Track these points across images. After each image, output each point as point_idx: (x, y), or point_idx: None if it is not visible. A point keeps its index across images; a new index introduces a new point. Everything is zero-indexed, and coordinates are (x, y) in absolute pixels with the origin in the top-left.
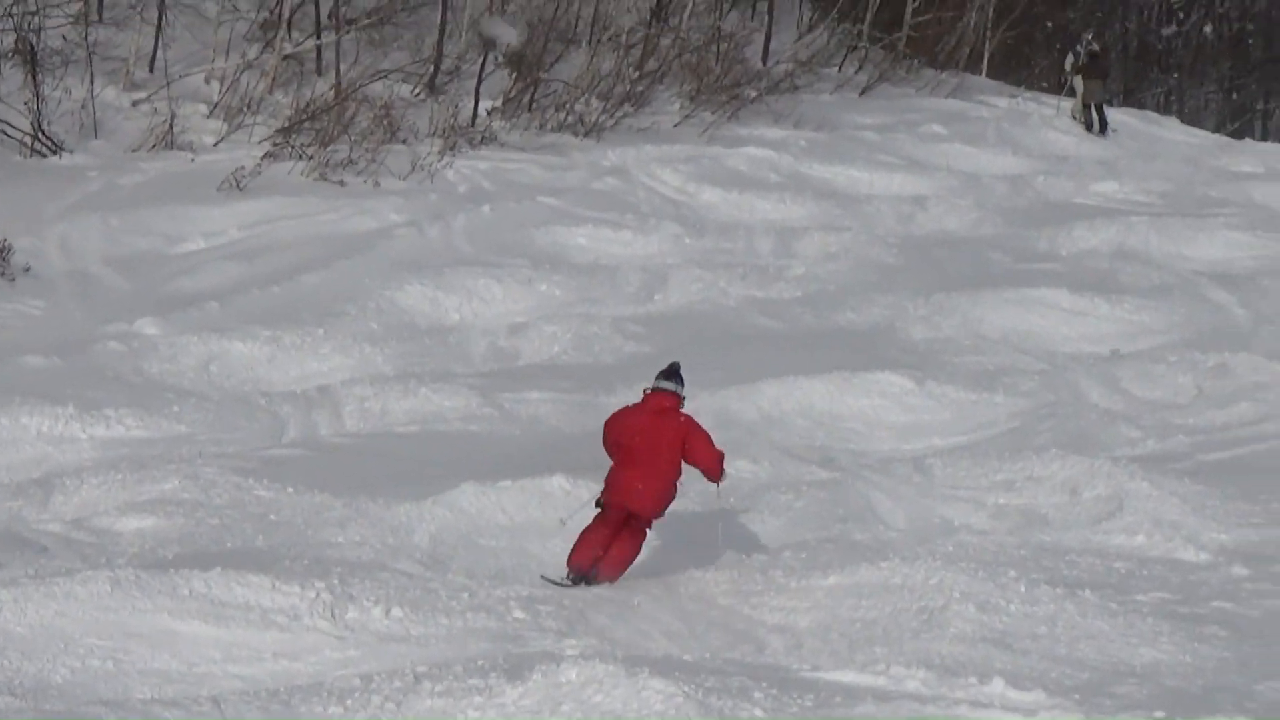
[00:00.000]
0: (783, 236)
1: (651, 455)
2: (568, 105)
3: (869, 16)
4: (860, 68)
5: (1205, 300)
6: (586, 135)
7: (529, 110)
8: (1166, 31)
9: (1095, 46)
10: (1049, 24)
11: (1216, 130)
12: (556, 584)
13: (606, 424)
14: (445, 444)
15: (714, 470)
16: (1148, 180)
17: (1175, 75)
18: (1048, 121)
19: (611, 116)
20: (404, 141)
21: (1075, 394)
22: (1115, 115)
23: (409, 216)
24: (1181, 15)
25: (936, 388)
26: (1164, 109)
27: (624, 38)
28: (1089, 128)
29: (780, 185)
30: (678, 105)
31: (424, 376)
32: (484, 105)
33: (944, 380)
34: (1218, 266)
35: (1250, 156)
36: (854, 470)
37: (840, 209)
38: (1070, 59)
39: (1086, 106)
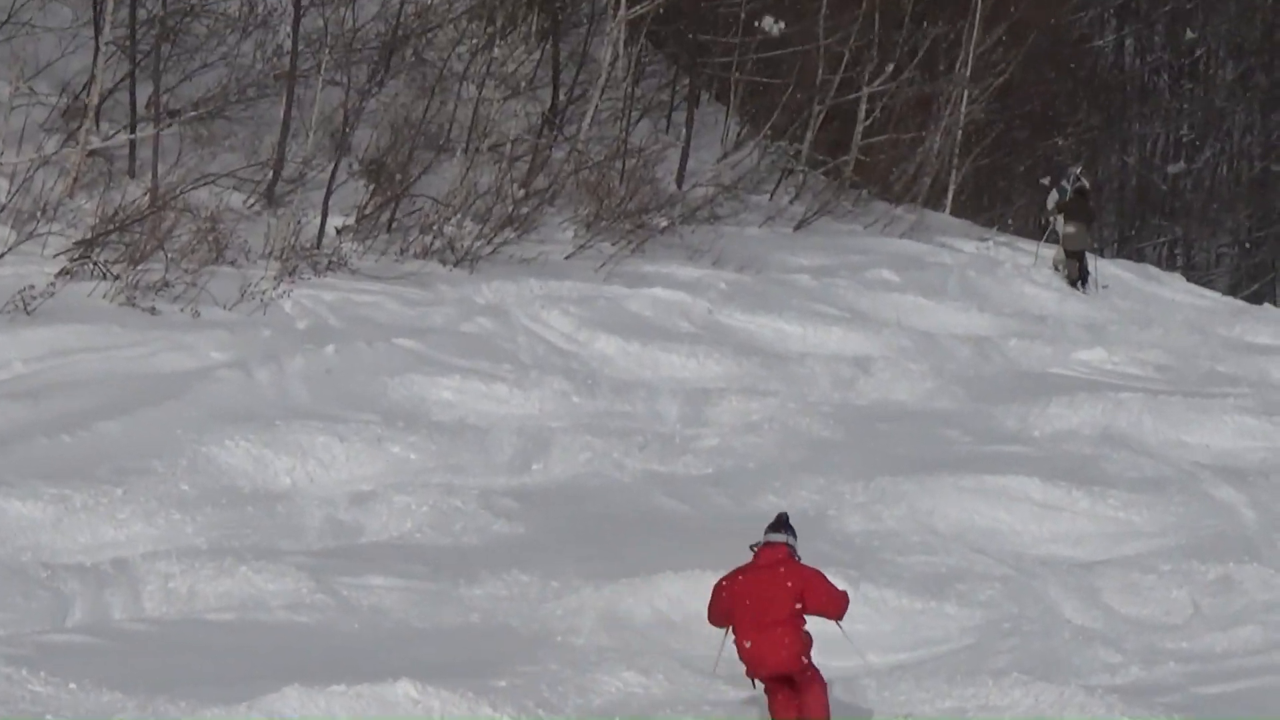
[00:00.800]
0: (693, 399)
1: (769, 613)
2: (436, 227)
3: (810, 135)
4: (797, 196)
5: (1207, 498)
6: (458, 265)
7: (388, 231)
8: (1173, 169)
9: (1084, 182)
10: (1030, 154)
11: (1230, 292)
12: None
13: (715, 589)
14: (267, 636)
15: (837, 613)
16: (1143, 349)
17: (1182, 223)
18: (1023, 272)
19: (489, 243)
20: (233, 263)
21: (1044, 607)
22: (1107, 268)
23: (235, 355)
24: (1192, 150)
25: (875, 592)
26: (1166, 263)
27: (508, 148)
28: (1073, 282)
29: (693, 336)
30: (571, 233)
31: (244, 553)
32: (333, 222)
33: (884, 584)
34: (1224, 458)
35: (1270, 325)
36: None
37: (765, 369)
38: (1053, 196)
39: (1071, 256)
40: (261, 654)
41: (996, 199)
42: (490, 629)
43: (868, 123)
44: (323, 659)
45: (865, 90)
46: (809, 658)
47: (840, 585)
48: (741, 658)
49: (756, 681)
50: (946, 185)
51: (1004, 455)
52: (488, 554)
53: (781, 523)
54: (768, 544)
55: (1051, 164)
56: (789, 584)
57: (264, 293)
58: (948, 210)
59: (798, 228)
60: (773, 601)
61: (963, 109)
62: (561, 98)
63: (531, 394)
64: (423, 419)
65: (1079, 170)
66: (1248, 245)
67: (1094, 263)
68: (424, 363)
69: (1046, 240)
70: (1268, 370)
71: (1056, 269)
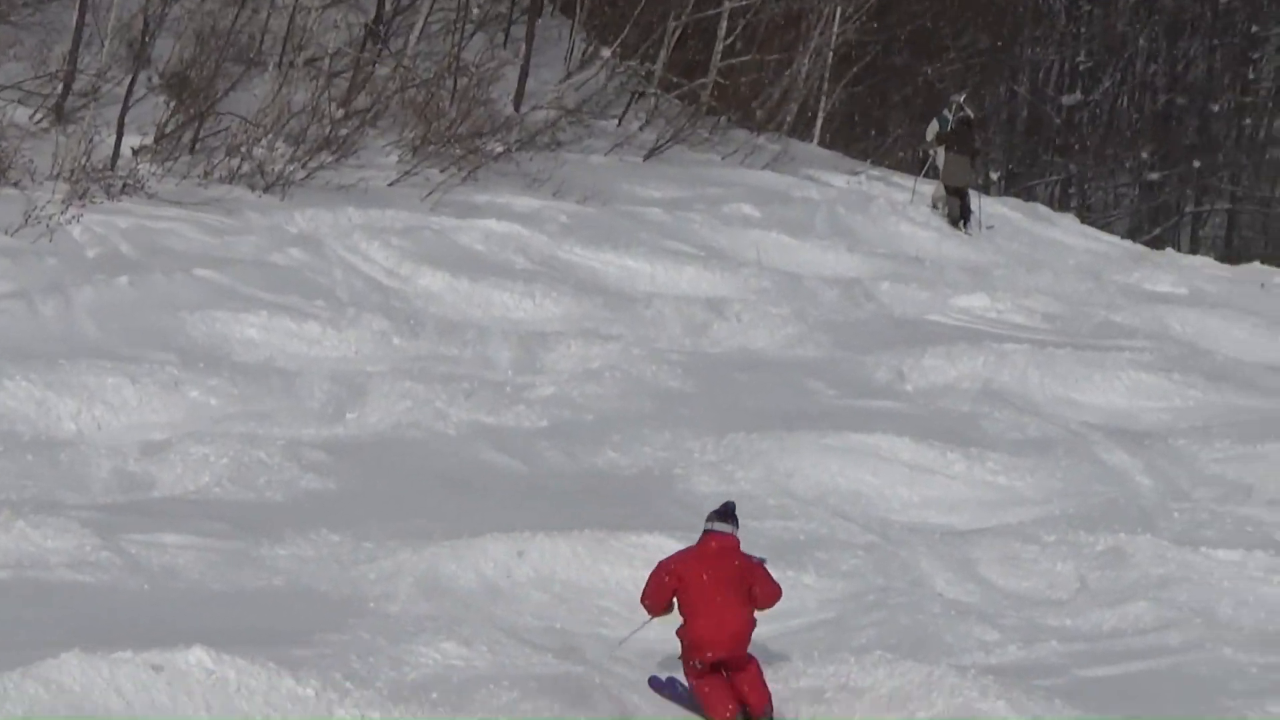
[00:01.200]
0: (527, 343)
1: (733, 602)
2: (244, 149)
3: (664, 54)
4: (648, 122)
5: (1098, 463)
6: (267, 190)
7: (191, 152)
8: (1068, 101)
9: (968, 112)
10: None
11: (1129, 236)
12: None
13: (659, 569)
14: (46, 597)
15: (770, 605)
16: (1030, 296)
17: (1077, 160)
18: (899, 210)
19: (303, 168)
20: (16, 184)
21: (914, 579)
22: (992, 207)
23: (16, 286)
24: (1090, 80)
25: None
26: (1059, 203)
27: (326, 62)
28: (954, 221)
29: (529, 274)
30: (395, 158)
31: (22, 505)
32: (129, 142)
33: None
34: (1118, 418)
35: (1171, 272)
36: (605, 665)
37: (608, 311)
38: (933, 127)
39: (952, 192)
40: (40, 617)
41: (870, 129)
42: (295, 593)
43: (728, 42)
44: (108, 623)
45: (726, 5)
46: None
47: None
48: (691, 639)
49: (698, 663)
50: (815, 113)
51: (873, 411)
52: (294, 511)
53: (729, 512)
54: (715, 533)
55: (933, 92)
56: (743, 575)
57: (50, 218)
58: (816, 141)
59: (648, 157)
60: (730, 587)
61: (834, 29)
62: (387, 7)
63: (347, 334)
64: (224, 360)
65: (962, 99)
66: (1149, 185)
67: (977, 200)
68: (227, 297)
69: (925, 175)
70: (1167, 321)
71: (935, 207)
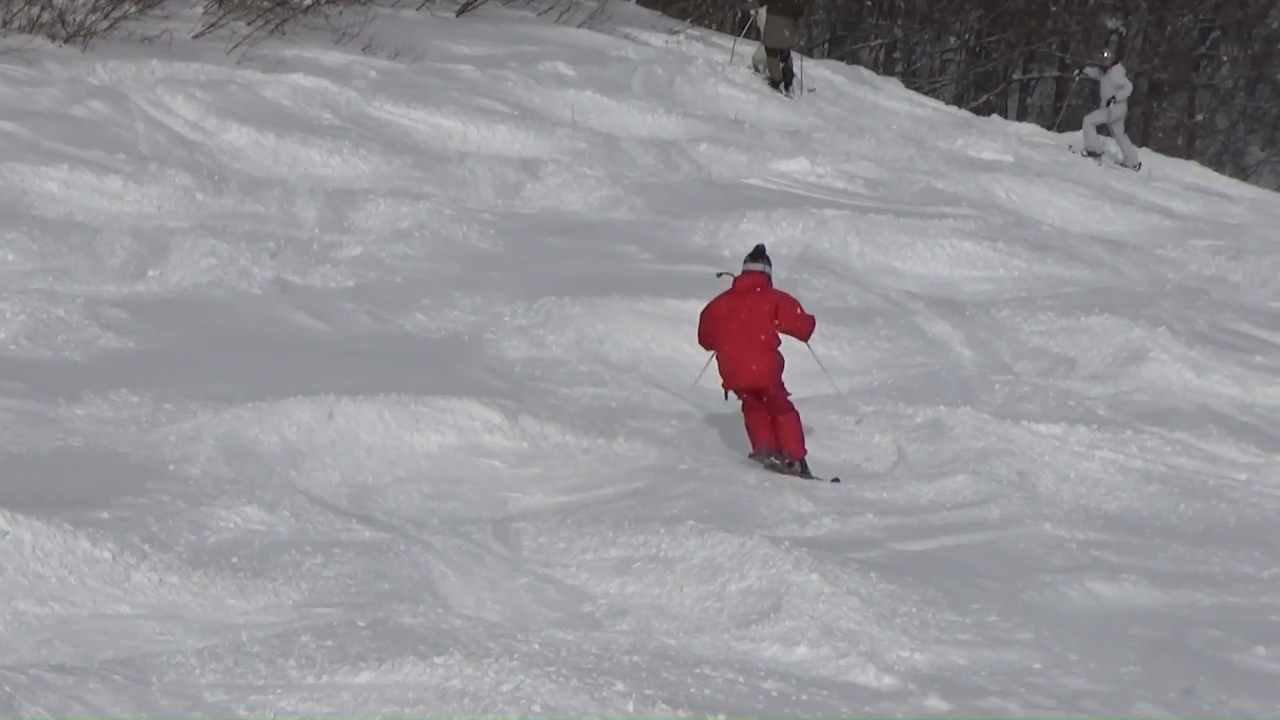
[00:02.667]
0: (335, 201)
1: (749, 332)
2: None
3: None
4: None
5: (919, 332)
6: (68, 41)
7: None
8: None
9: None
10: None
11: (955, 102)
12: (775, 468)
13: (702, 315)
14: None
15: (805, 333)
16: (852, 161)
17: (903, 23)
18: (718, 71)
19: (106, 17)
20: None
21: (728, 448)
22: (814, 69)
23: None
24: None
25: (535, 426)
26: (884, 67)
27: None
28: (775, 84)
29: (337, 130)
30: (200, 9)
31: None
32: None
33: (546, 417)
34: (940, 287)
35: (997, 140)
36: (408, 531)
37: (419, 169)
38: None
39: (773, 54)
40: None
41: None
42: (93, 455)
43: None
44: None
45: None
46: (781, 381)
47: (497, 417)
48: (720, 370)
49: (730, 394)
50: None
51: (689, 276)
52: (93, 371)
53: (760, 253)
54: (746, 272)
55: None
56: (766, 305)
57: None
58: None
59: (461, 12)
60: (752, 319)
61: None
62: None
63: (149, 189)
64: (22, 215)
65: None
66: (977, 51)
67: (799, 63)
68: (27, 150)
69: (746, 35)
70: (992, 190)
71: (756, 68)
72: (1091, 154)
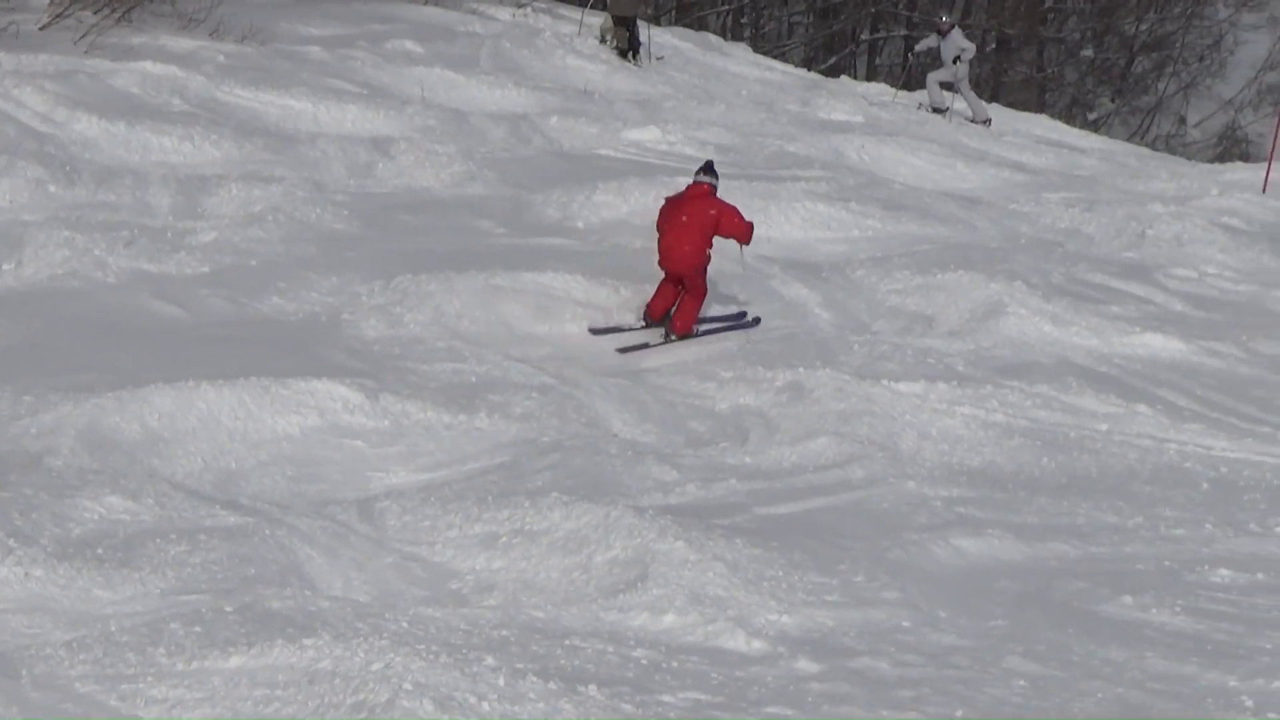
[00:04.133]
0: (187, 188)
1: (687, 227)
2: None
3: None
4: None
5: (775, 296)
6: None
7: None
8: None
9: None
10: None
11: (805, 65)
12: (635, 329)
13: (661, 209)
14: None
15: (744, 237)
16: (703, 128)
17: None
18: (566, 42)
19: None
20: None
21: (589, 420)
22: (662, 37)
23: None
24: None
25: (395, 405)
26: (731, 32)
27: None
28: (623, 53)
29: (187, 116)
30: (47, 1)
31: None
32: None
33: (406, 394)
34: (795, 250)
35: (847, 101)
36: (272, 514)
37: (271, 153)
38: None
39: (620, 23)
40: None
41: None
42: None
43: None
44: None
45: None
46: (703, 273)
47: (357, 396)
48: (659, 252)
49: (662, 271)
50: None
51: (543, 249)
52: None
53: (709, 167)
54: (695, 182)
55: None
56: (710, 210)
57: None
58: None
59: None
60: (692, 220)
61: None
62: None
63: (0, 184)
64: None
65: None
66: (824, 13)
67: (647, 31)
68: None
69: (592, 6)
70: (843, 150)
71: (604, 39)
72: (937, 110)
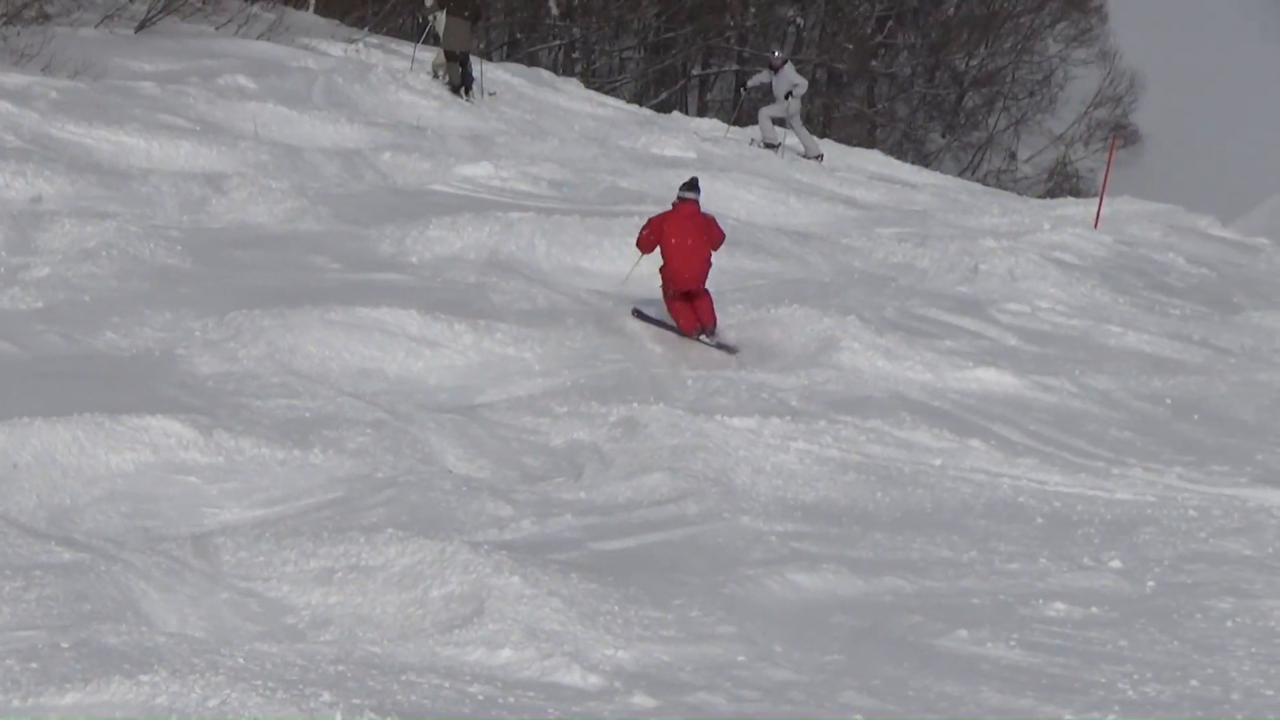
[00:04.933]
0: (20, 224)
1: (694, 247)
2: None
3: None
4: None
5: (610, 332)
6: None
7: None
8: None
9: None
10: None
11: (636, 100)
12: (703, 342)
13: (651, 225)
14: None
15: (718, 247)
16: (536, 164)
17: (580, 23)
18: (398, 78)
19: None
20: None
21: (424, 455)
22: (494, 73)
23: None
24: None
25: (229, 441)
26: (564, 68)
27: None
28: (455, 89)
29: (20, 152)
30: None
31: None
32: None
33: (240, 431)
34: (630, 284)
35: (678, 136)
36: (107, 550)
37: (103, 188)
38: None
39: (453, 59)
40: None
41: None
42: None
43: None
44: None
45: None
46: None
47: (191, 432)
48: (670, 276)
49: (672, 292)
50: None
51: (377, 284)
52: None
53: (694, 184)
54: (683, 200)
55: None
56: (705, 225)
57: None
58: (311, 8)
59: (140, 28)
60: (695, 238)
61: None
62: None
63: None
64: None
65: None
66: (655, 48)
67: (479, 67)
68: None
69: (425, 41)
70: (675, 186)
71: (436, 74)
72: (769, 146)
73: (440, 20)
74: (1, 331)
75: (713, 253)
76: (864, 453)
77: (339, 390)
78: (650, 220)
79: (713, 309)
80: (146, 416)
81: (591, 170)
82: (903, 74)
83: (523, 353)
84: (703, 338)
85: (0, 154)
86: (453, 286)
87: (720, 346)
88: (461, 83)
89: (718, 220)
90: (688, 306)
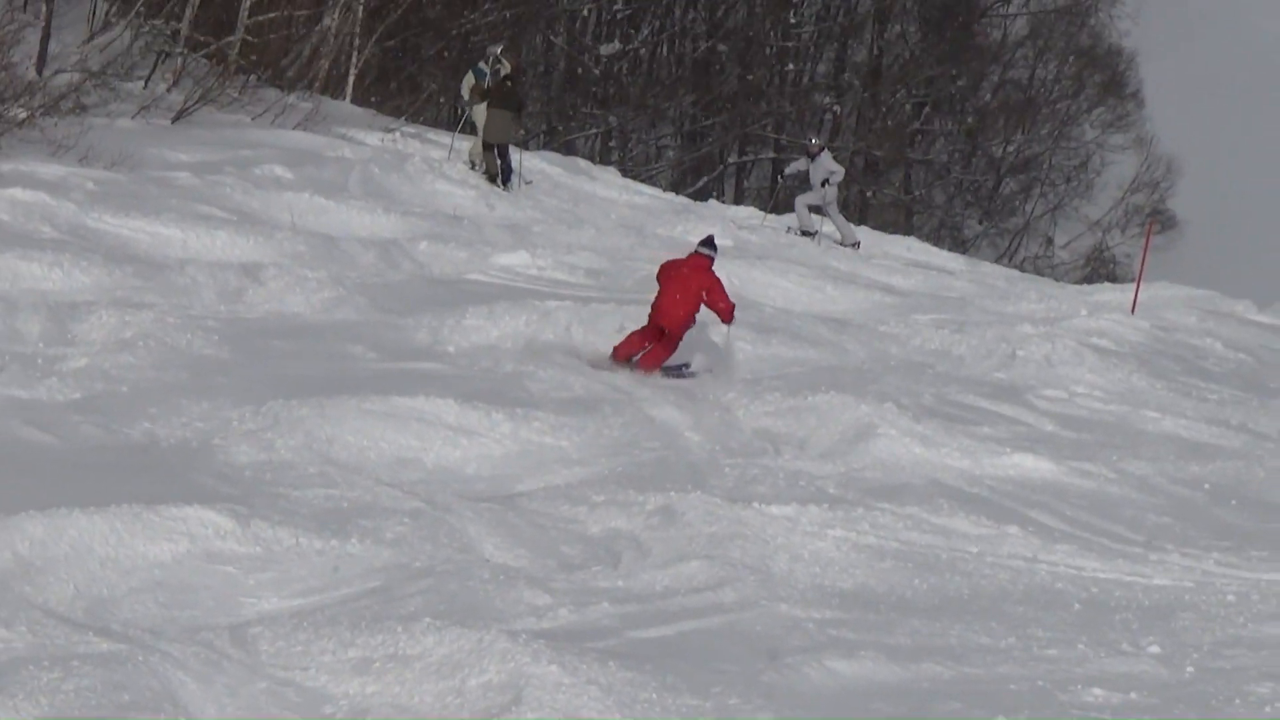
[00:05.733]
0: (58, 315)
1: (684, 291)
2: None
3: (189, 12)
4: (175, 83)
5: (648, 420)
6: None
7: None
8: (607, 50)
9: (506, 66)
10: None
11: (672, 188)
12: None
13: (661, 267)
14: None
15: (726, 315)
16: (572, 253)
17: (617, 111)
18: (435, 168)
19: None
20: None
21: (461, 544)
22: (531, 162)
23: None
24: (629, 28)
25: (267, 530)
26: (600, 156)
27: None
28: (492, 178)
29: (57, 243)
30: None
31: None
32: None
33: (278, 521)
34: (667, 372)
35: (715, 224)
36: (145, 640)
37: (140, 279)
38: (469, 80)
39: (490, 149)
40: None
41: (405, 86)
42: None
43: None
44: None
45: None
46: (684, 333)
47: (229, 522)
48: (654, 307)
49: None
50: (347, 70)
51: (414, 373)
52: None
53: (710, 242)
54: (696, 253)
55: (468, 44)
56: (701, 281)
57: None
58: (349, 98)
59: (176, 119)
60: (686, 283)
61: None
62: None
63: None
64: None
65: (499, 50)
66: (692, 136)
67: (517, 156)
68: None
69: (462, 131)
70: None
71: (473, 164)
72: (806, 233)
73: (480, 113)
74: (39, 422)
75: (704, 307)
76: (901, 540)
77: (376, 480)
78: (662, 264)
79: (660, 360)
80: (184, 507)
81: (628, 259)
82: (939, 160)
83: (560, 441)
84: (634, 368)
85: (38, 245)
86: (490, 375)
87: (671, 371)
88: (499, 172)
89: (724, 288)
90: (639, 340)
